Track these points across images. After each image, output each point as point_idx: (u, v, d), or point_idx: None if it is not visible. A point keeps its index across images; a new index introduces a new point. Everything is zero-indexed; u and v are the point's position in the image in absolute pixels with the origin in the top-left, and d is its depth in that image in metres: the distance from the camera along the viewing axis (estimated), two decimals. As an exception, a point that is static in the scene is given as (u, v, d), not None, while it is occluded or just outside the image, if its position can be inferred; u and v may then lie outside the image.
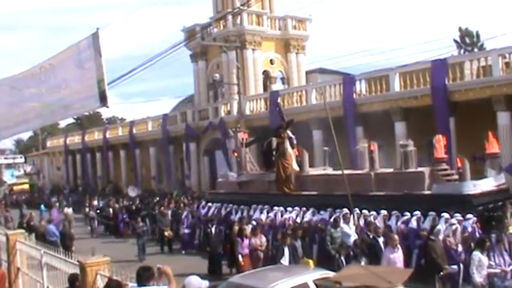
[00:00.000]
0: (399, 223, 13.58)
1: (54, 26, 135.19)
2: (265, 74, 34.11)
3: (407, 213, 13.54)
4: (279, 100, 26.58)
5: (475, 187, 13.98)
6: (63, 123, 77.70)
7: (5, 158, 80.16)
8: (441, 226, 12.14)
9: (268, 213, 17.05)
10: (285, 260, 12.59)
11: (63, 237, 17.67)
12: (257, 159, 23.68)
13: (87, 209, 28.89)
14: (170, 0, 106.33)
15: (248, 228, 14.81)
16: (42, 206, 31.73)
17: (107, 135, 45.04)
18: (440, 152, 15.48)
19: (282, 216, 16.34)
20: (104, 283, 6.68)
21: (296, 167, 18.57)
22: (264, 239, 14.52)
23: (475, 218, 12.51)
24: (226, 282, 9.92)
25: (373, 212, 14.24)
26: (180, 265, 14.60)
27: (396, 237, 11.41)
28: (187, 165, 35.29)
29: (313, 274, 9.45)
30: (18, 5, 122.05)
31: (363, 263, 11.34)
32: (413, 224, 13.23)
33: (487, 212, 13.16)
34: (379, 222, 13.67)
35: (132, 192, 32.31)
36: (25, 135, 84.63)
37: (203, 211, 20.13)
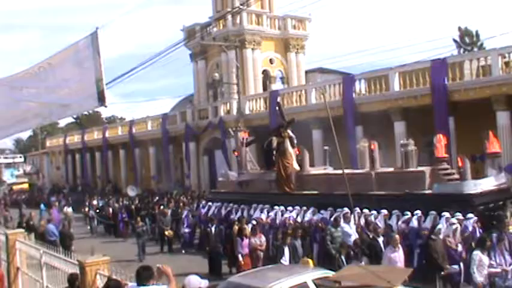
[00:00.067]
0: (400, 222, 13.57)
1: (53, 26, 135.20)
2: (265, 73, 34.12)
3: (408, 213, 13.53)
4: (279, 99, 26.56)
5: (476, 186, 13.97)
6: (62, 123, 77.91)
7: (5, 158, 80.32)
8: (442, 225, 12.13)
9: (268, 212, 17.03)
10: (286, 260, 12.59)
11: (62, 237, 17.63)
12: (257, 159, 23.65)
13: (86, 209, 28.89)
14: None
15: (248, 228, 14.79)
16: (42, 206, 31.73)
17: (107, 135, 45.01)
18: (441, 152, 15.46)
19: (282, 215, 16.32)
20: (104, 283, 6.66)
21: (296, 167, 18.56)
22: (263, 238, 14.51)
23: (475, 218, 12.51)
24: (226, 281, 9.89)
25: (374, 212, 14.23)
26: (180, 265, 14.61)
27: (397, 236, 11.40)
28: (186, 164, 35.29)
29: (312, 274, 9.42)
30: (18, 4, 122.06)
31: (363, 262, 11.33)
32: (414, 223, 13.21)
33: (488, 212, 13.14)
34: (380, 222, 13.66)
35: (131, 191, 32.28)
36: (25, 135, 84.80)
37: (203, 210, 20.13)
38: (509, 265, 10.56)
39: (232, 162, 28.96)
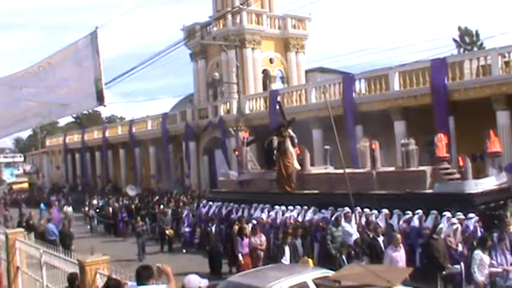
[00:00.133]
0: (401, 222, 13.55)
1: (53, 25, 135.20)
2: (265, 73, 34.10)
3: (409, 212, 13.51)
4: (279, 99, 26.55)
5: (477, 186, 13.95)
6: (62, 122, 77.98)
7: (5, 157, 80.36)
8: (443, 225, 12.11)
9: (269, 212, 17.01)
10: (286, 259, 12.57)
11: (62, 236, 17.62)
12: (258, 158, 23.64)
13: (86, 208, 28.89)
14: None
15: (248, 228, 14.77)
16: (42, 205, 31.72)
17: (107, 134, 45.00)
18: (442, 151, 15.45)
19: (283, 215, 16.30)
20: (104, 282, 6.65)
21: (297, 166, 18.55)
22: (263, 238, 14.49)
23: (476, 217, 12.48)
24: (226, 281, 9.88)
25: (375, 211, 14.21)
26: (180, 264, 14.58)
27: (399, 236, 11.37)
28: (186, 164, 35.28)
29: (312, 273, 9.40)
30: (17, 3, 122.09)
31: (364, 262, 11.31)
32: (416, 223, 13.19)
33: (489, 211, 13.12)
34: (381, 221, 13.63)
35: (130, 191, 32.27)
36: (24, 134, 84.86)
37: (204, 210, 20.12)
38: (510, 265, 10.54)
39: (232, 161, 28.96)
